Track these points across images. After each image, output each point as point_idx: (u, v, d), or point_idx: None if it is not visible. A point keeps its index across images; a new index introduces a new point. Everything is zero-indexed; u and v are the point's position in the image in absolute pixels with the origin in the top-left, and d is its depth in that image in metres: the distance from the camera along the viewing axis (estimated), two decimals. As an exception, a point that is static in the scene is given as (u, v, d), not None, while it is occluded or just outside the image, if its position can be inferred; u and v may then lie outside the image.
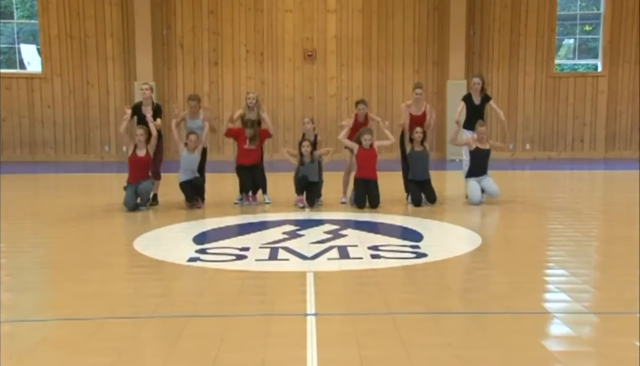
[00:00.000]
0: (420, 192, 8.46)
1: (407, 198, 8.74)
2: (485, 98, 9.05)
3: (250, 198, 8.66)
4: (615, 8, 16.57)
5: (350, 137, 8.56)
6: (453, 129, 9.19)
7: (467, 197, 8.78)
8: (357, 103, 8.81)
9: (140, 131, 8.22)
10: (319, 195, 8.49)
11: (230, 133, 8.89)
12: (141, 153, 8.23)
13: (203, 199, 8.58)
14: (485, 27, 16.68)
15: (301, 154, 8.48)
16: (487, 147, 8.71)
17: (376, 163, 8.42)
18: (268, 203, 8.60)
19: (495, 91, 16.42)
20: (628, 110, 16.97)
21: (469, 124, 8.95)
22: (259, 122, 8.76)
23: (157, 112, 8.55)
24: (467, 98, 9.09)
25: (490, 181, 8.65)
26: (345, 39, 16.71)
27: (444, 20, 16.46)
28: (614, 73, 16.85)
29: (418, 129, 8.43)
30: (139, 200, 8.20)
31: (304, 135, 8.70)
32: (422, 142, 8.51)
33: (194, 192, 8.36)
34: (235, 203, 8.64)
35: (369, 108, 8.92)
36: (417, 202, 8.39)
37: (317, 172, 8.43)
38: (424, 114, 8.73)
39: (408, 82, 16.55)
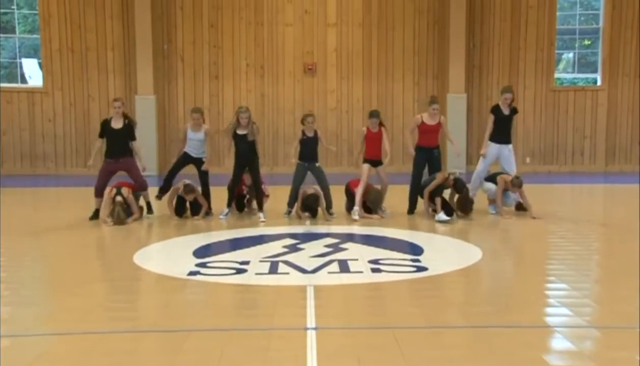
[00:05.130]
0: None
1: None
2: (514, 111, 9.08)
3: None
4: (614, 22, 16.65)
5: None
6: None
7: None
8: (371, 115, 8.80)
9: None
10: (330, 205, 8.47)
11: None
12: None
13: (203, 207, 8.47)
14: (485, 40, 16.74)
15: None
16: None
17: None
18: (263, 221, 8.25)
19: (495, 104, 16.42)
20: (628, 124, 17.00)
21: (497, 137, 8.96)
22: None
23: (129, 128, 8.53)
24: (496, 110, 9.05)
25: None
26: (345, 52, 16.76)
27: (443, 33, 16.52)
28: (613, 86, 16.89)
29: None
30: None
31: (303, 132, 8.58)
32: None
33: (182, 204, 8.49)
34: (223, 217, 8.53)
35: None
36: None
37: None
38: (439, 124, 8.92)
39: (408, 94, 16.61)
